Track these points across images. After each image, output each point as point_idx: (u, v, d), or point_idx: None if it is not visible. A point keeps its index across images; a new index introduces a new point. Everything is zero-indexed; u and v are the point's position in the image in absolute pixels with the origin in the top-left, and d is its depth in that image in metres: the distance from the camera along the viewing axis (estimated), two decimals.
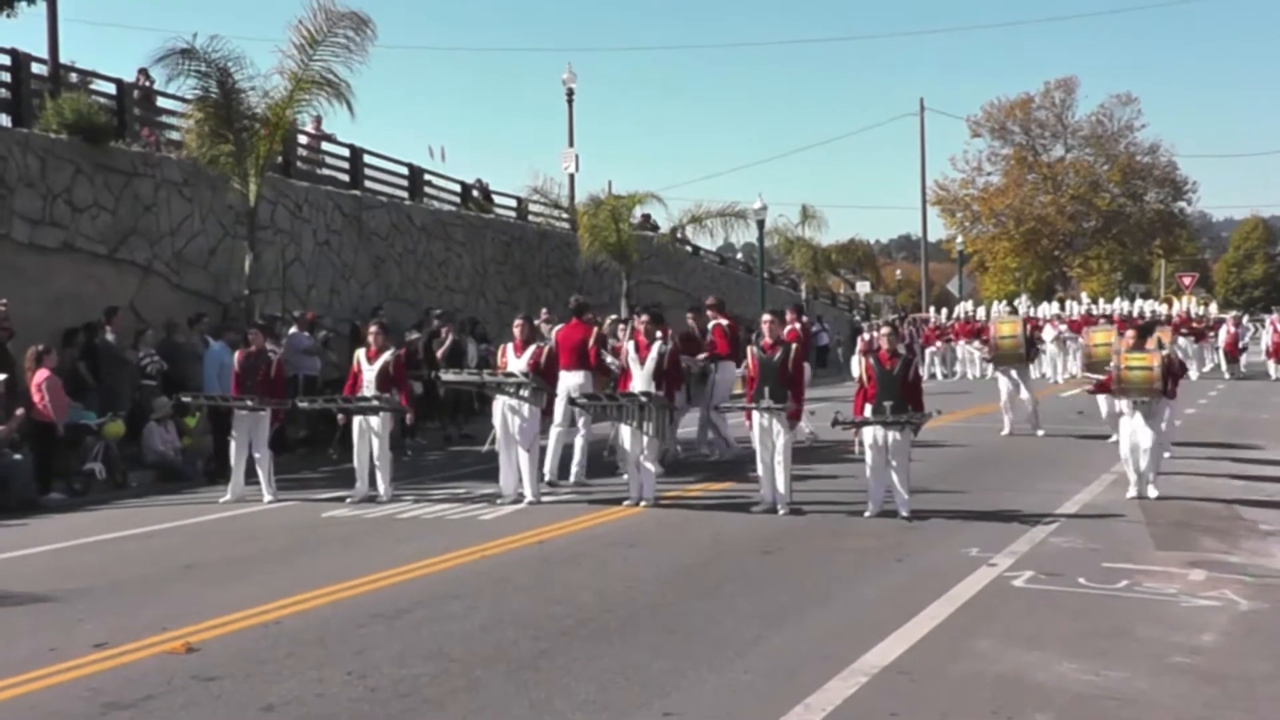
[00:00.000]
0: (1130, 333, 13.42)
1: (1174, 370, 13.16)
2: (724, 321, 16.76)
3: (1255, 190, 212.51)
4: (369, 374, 13.47)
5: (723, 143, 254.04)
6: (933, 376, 34.18)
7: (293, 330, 18.56)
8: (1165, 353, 12.98)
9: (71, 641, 7.47)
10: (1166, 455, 14.81)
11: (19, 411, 13.55)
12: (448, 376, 14.77)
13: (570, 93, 35.30)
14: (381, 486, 13.36)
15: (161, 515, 12.75)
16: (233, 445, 13.81)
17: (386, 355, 13.59)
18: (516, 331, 13.41)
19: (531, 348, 13.19)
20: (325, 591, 8.73)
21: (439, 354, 19.43)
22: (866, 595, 8.58)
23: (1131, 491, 12.49)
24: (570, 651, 7.10)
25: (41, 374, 13.87)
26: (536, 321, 15.58)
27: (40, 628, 7.89)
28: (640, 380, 12.78)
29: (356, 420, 13.50)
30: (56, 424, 13.96)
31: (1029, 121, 70.45)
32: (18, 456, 13.34)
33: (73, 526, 12.15)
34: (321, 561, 10.03)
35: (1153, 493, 12.43)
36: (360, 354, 13.80)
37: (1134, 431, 12.55)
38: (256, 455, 13.61)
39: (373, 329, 14.03)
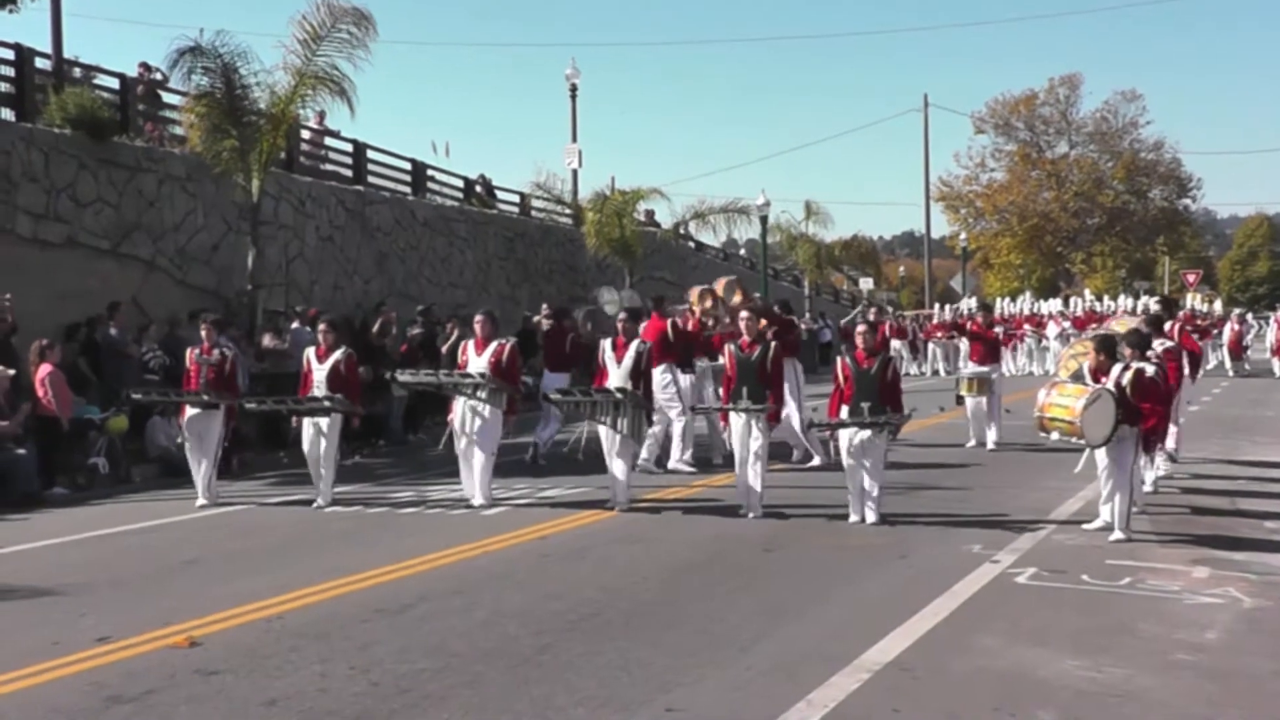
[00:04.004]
0: (1091, 349, 10.33)
1: (1132, 411, 10.05)
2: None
3: (1260, 187, 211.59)
4: (319, 374, 12.77)
5: (726, 138, 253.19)
6: (936, 373, 34.27)
7: (295, 325, 18.57)
8: (1134, 372, 10.22)
9: (74, 636, 7.48)
10: (1165, 471, 13.36)
11: (25, 405, 13.57)
12: (404, 378, 13.93)
13: (574, 88, 35.29)
14: (322, 487, 12.72)
15: (164, 510, 12.74)
16: (188, 447, 13.16)
17: (337, 354, 12.82)
18: (477, 329, 12.72)
19: (493, 345, 12.49)
20: (328, 586, 8.73)
21: (443, 350, 19.44)
22: (868, 592, 8.58)
23: (1095, 523, 10.57)
24: (572, 647, 7.10)
25: (45, 369, 13.88)
26: (536, 318, 15.42)
27: (43, 622, 7.90)
28: (616, 380, 12.19)
29: (307, 422, 12.83)
30: (60, 419, 13.97)
31: (1033, 118, 70.36)
32: (21, 451, 13.36)
33: (75, 521, 12.15)
34: (324, 557, 10.02)
35: (1119, 536, 10.06)
36: (310, 353, 13.09)
37: (1102, 469, 10.34)
38: (203, 451, 12.98)
39: (321, 327, 13.29)
